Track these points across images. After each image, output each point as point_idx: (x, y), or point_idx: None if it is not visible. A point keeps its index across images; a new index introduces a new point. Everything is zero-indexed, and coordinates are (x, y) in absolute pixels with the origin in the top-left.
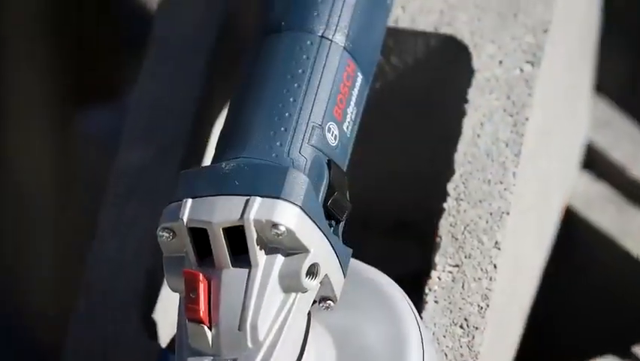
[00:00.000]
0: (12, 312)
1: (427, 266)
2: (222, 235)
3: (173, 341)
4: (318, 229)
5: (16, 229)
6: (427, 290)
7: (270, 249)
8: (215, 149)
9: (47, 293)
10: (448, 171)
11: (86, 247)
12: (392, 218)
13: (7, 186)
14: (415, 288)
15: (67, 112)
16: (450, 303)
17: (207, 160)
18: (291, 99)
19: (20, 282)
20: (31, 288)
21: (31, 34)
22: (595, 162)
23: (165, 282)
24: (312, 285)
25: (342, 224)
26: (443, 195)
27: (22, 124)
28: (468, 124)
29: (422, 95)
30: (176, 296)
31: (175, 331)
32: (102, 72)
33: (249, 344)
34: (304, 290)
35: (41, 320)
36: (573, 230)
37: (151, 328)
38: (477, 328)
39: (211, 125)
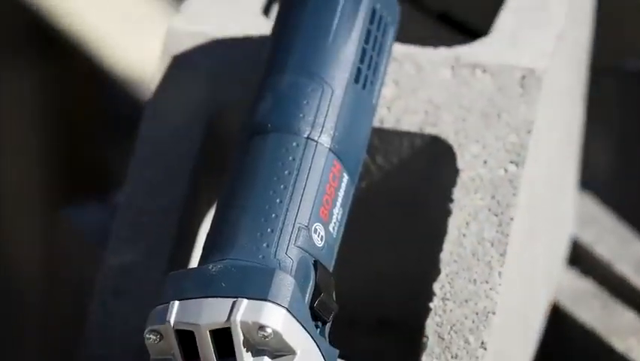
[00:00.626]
0: None
1: None
2: (209, 337)
3: None
4: (304, 331)
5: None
6: None
7: (257, 351)
8: (203, 250)
9: None
10: (434, 270)
11: (73, 343)
12: (378, 317)
13: None
14: None
15: (56, 204)
16: None
17: (194, 260)
18: (278, 200)
19: None
20: None
21: (20, 122)
22: (580, 258)
23: None
24: None
25: (328, 325)
26: (429, 294)
27: (10, 215)
28: (453, 223)
29: (408, 194)
30: None
31: None
32: (91, 158)
33: None
34: None
35: None
36: (559, 326)
37: None
38: None
39: (198, 225)
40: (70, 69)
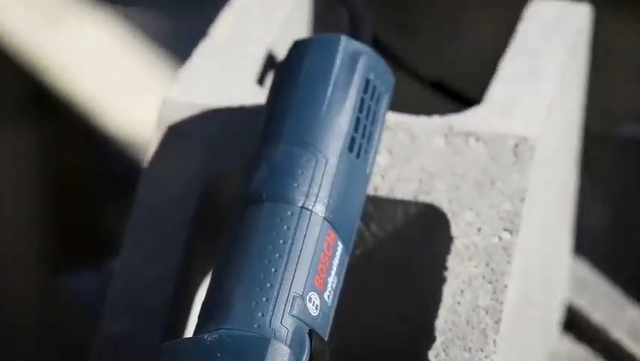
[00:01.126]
0: None
1: None
2: None
3: None
4: None
5: None
6: None
7: None
8: (198, 319)
9: None
10: (428, 338)
11: None
12: None
13: None
14: None
15: (53, 264)
16: None
17: (190, 328)
18: (273, 269)
19: None
20: None
21: (18, 183)
22: (575, 323)
23: None
24: None
25: None
26: None
27: (6, 276)
28: (448, 291)
29: (402, 262)
30: None
31: None
32: (87, 218)
33: None
34: None
35: None
36: None
37: None
38: None
39: (193, 293)
40: (68, 131)
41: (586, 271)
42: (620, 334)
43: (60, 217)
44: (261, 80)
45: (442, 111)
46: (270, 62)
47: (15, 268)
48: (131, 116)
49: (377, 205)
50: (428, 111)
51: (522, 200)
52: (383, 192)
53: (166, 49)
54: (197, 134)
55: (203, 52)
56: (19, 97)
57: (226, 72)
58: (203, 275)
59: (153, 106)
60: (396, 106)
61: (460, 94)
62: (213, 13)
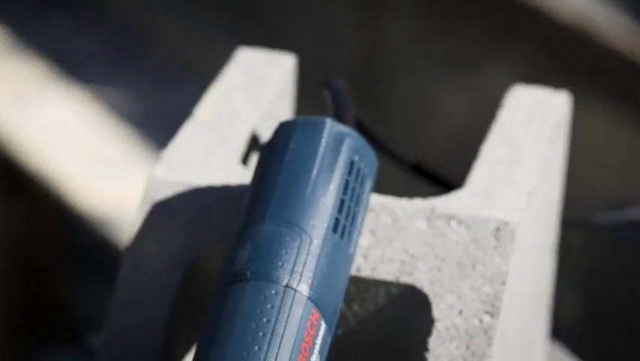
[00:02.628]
0: None
1: None
2: None
3: None
4: None
5: None
6: None
7: None
8: None
9: None
10: None
11: None
12: None
13: None
14: None
15: (19, 341)
16: None
17: None
18: (256, 348)
19: None
20: None
21: None
22: None
23: None
24: None
25: None
26: None
27: None
28: None
29: (383, 342)
30: None
31: None
32: (54, 295)
33: None
34: None
35: None
36: None
37: None
38: None
39: None
40: (36, 207)
41: (562, 356)
42: None
43: (26, 293)
44: (245, 160)
45: (424, 192)
46: (254, 142)
47: None
48: (101, 194)
49: (359, 285)
50: (410, 193)
51: (503, 283)
52: (365, 272)
53: (139, 129)
54: (181, 211)
55: (189, 130)
56: None
57: (211, 151)
58: (186, 353)
59: (124, 185)
60: (379, 188)
61: (440, 177)
62: (189, 95)
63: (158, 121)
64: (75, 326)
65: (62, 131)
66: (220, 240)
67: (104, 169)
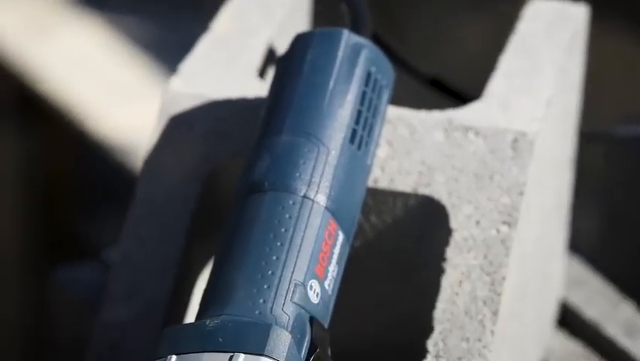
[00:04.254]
0: None
1: None
2: None
3: None
4: None
5: None
6: None
7: None
8: (199, 306)
9: None
10: (426, 328)
11: None
12: None
13: None
14: None
15: (38, 269)
16: None
17: (190, 317)
18: (274, 257)
19: None
20: None
21: (4, 187)
22: (569, 320)
23: None
24: None
25: None
26: (422, 352)
27: None
28: (446, 282)
29: (401, 253)
30: None
31: None
32: (72, 223)
33: None
34: None
35: None
36: None
37: None
38: None
39: (193, 282)
40: (53, 137)
41: (580, 269)
42: (613, 330)
43: (44, 223)
44: (262, 73)
45: (441, 107)
46: (271, 55)
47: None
48: (117, 122)
49: (377, 197)
50: (427, 108)
51: (520, 194)
52: (383, 184)
53: (153, 56)
54: (198, 124)
55: (205, 44)
56: (5, 102)
57: (227, 64)
58: (204, 265)
59: (141, 113)
60: (395, 102)
61: (458, 91)
62: (202, 21)
63: (176, 49)
64: (92, 250)
65: (80, 60)
66: (238, 152)
67: (121, 97)
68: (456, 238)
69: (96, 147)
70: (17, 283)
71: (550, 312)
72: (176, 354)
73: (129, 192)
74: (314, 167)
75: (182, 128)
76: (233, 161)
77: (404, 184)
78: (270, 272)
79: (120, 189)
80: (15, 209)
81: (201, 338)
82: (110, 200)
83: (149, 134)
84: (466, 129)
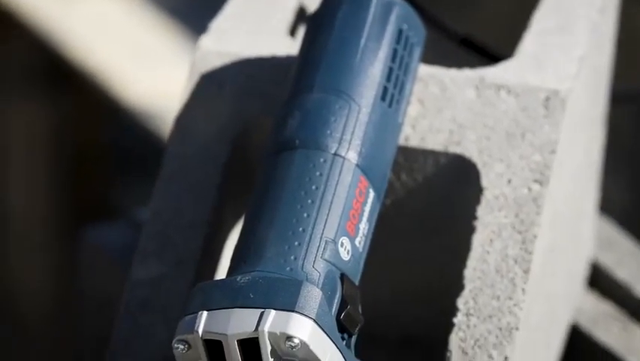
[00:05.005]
0: None
1: None
2: (237, 347)
3: None
4: (331, 342)
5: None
6: None
7: None
8: (230, 262)
9: None
10: (457, 287)
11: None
12: (400, 334)
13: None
14: None
15: (68, 229)
16: None
17: (220, 274)
18: (305, 215)
19: None
20: None
21: (33, 152)
22: (600, 281)
23: None
24: None
25: (354, 338)
26: (452, 310)
27: (22, 240)
28: (477, 241)
29: (431, 211)
30: None
31: None
32: (99, 189)
33: None
34: None
35: None
36: (579, 348)
37: None
38: None
39: (223, 240)
40: (82, 103)
41: (611, 230)
42: None
43: (72, 189)
44: (292, 31)
45: (471, 67)
46: (302, 12)
47: (28, 235)
48: (144, 88)
49: (408, 155)
50: (457, 67)
51: (552, 152)
52: (414, 142)
53: (180, 21)
54: (229, 82)
55: (236, 2)
56: (33, 69)
57: (258, 22)
58: (234, 223)
59: (170, 79)
60: (426, 61)
61: (489, 50)
62: None
63: (202, 14)
64: (120, 215)
65: (106, 26)
66: (268, 110)
67: (148, 63)
68: (487, 197)
69: (123, 113)
70: (46, 248)
71: (581, 272)
72: (206, 310)
73: (156, 157)
74: (345, 124)
75: (212, 86)
76: (264, 119)
77: (435, 142)
78: (300, 229)
79: (147, 155)
80: (44, 175)
81: (232, 294)
82: (138, 166)
83: (177, 99)
84: (498, 87)
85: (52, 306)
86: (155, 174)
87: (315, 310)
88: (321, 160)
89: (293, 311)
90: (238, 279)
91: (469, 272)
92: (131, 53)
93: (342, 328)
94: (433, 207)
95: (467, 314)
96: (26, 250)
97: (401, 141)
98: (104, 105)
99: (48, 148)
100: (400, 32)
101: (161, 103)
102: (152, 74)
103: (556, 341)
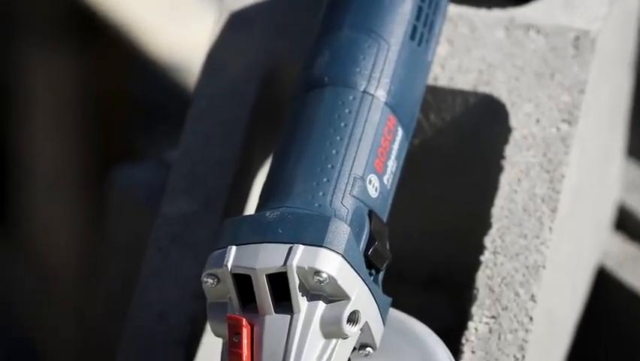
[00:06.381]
0: None
1: (460, 320)
2: (265, 282)
3: None
4: (358, 277)
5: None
6: (463, 340)
7: (312, 295)
8: (259, 198)
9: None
10: (483, 225)
11: (126, 299)
12: (427, 272)
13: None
14: (449, 340)
15: (95, 179)
16: (486, 353)
17: (249, 212)
18: (334, 151)
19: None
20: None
21: (59, 103)
22: (627, 224)
23: (208, 329)
24: (353, 331)
25: (382, 274)
26: (479, 248)
27: (49, 191)
28: (505, 180)
29: (459, 151)
30: (218, 344)
31: None
32: (124, 141)
33: None
34: (345, 337)
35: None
36: (605, 290)
37: None
38: None
39: (252, 177)
40: (109, 54)
41: (637, 173)
42: None
43: (98, 141)
44: None
45: (500, 7)
46: None
47: (54, 183)
48: (171, 40)
49: (436, 95)
50: (486, 7)
51: (581, 92)
52: (443, 82)
53: None
54: (259, 21)
55: None
56: (58, 20)
57: None
58: (262, 161)
59: (194, 30)
60: (456, 2)
61: None
62: None
63: None
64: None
65: None
66: (298, 48)
67: (177, 14)
68: (515, 137)
69: (149, 65)
70: (73, 199)
71: (608, 214)
72: (235, 245)
73: (183, 109)
74: (374, 62)
75: (242, 24)
76: (293, 58)
77: (464, 82)
78: (329, 166)
79: (173, 107)
80: (70, 126)
81: (261, 229)
82: (164, 118)
83: (203, 51)
84: (528, 27)
85: (81, 258)
86: (182, 125)
87: (343, 245)
88: (350, 98)
89: (321, 246)
90: (267, 214)
91: (497, 211)
92: (158, 3)
93: (369, 264)
94: (461, 147)
95: (494, 252)
96: (53, 201)
97: (430, 81)
98: (130, 57)
99: (74, 100)
100: None
101: (188, 55)
102: (178, 25)
103: (582, 282)
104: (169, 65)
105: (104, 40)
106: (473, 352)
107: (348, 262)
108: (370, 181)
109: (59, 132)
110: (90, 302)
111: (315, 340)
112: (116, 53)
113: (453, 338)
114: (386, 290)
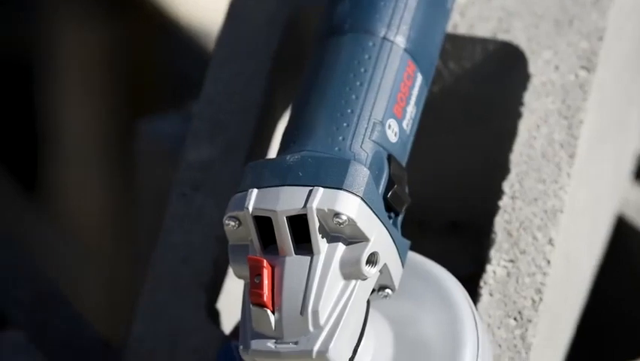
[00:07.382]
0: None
1: (480, 266)
2: (286, 223)
3: (236, 329)
4: (377, 220)
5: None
6: (482, 284)
7: (332, 237)
8: (280, 143)
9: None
10: (502, 171)
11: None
12: (446, 218)
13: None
14: (468, 286)
15: (124, 149)
16: (504, 296)
17: (271, 156)
18: (353, 96)
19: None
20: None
21: (88, 74)
22: None
23: (230, 273)
24: (372, 273)
25: (401, 217)
26: (498, 194)
27: (79, 161)
28: (524, 126)
29: (478, 98)
30: (239, 288)
31: (238, 320)
32: (156, 109)
33: (310, 328)
34: (364, 278)
35: (97, 316)
36: (624, 239)
37: (215, 316)
38: (530, 320)
39: (274, 122)
40: (138, 22)
41: None
42: None
43: (127, 109)
44: None
45: None
46: None
47: (85, 159)
48: (201, 7)
49: (456, 43)
50: None
51: (600, 39)
52: (462, 29)
53: None
54: None
55: None
56: None
57: None
58: (284, 108)
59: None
60: None
61: None
62: None
63: None
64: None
65: None
66: None
67: None
68: (534, 83)
69: (179, 33)
70: (104, 166)
71: (627, 163)
72: (257, 188)
73: None
74: (394, 9)
75: None
76: (315, 2)
77: (483, 30)
78: (349, 110)
79: (203, 75)
80: (100, 95)
81: (281, 172)
82: (193, 86)
83: None
84: None
85: (114, 224)
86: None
87: (363, 188)
88: (370, 44)
89: (341, 189)
90: (287, 158)
91: (515, 156)
92: None
93: (388, 206)
94: (480, 94)
95: (513, 197)
96: (84, 168)
97: (449, 29)
98: (159, 25)
99: (103, 69)
100: None
101: (217, 22)
102: None
103: (601, 229)
104: (199, 33)
105: (133, 9)
106: (491, 295)
107: (367, 204)
108: (389, 126)
109: (89, 102)
110: (121, 258)
111: (335, 281)
112: (146, 20)
113: (471, 283)
114: (405, 235)
